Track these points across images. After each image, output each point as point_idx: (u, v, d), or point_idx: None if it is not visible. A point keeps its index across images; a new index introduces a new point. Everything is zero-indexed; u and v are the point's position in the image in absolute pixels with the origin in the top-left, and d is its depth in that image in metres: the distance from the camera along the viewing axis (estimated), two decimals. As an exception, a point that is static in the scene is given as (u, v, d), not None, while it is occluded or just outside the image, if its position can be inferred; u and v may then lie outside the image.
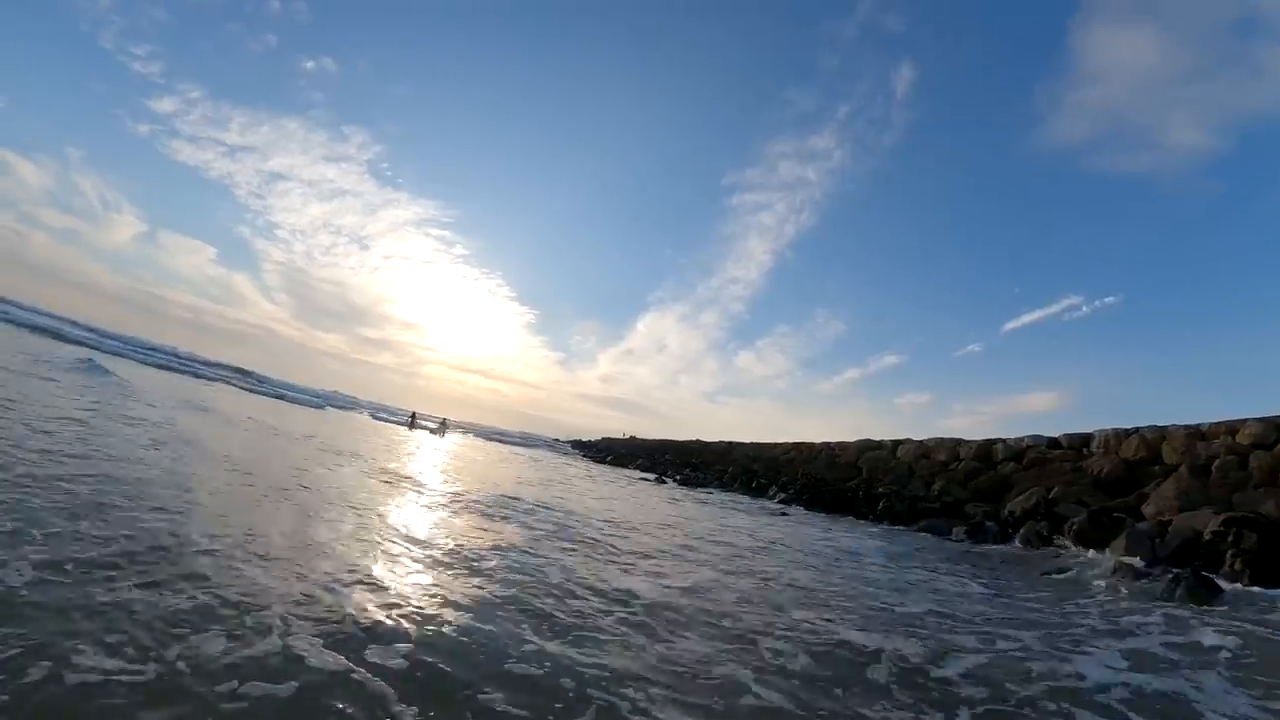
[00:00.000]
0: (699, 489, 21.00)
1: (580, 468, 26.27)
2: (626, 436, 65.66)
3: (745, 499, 18.73)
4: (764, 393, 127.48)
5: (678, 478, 25.67)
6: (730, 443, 39.53)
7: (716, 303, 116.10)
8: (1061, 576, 7.72)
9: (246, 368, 51.07)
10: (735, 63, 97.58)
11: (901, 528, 12.64)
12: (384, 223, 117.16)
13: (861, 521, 13.51)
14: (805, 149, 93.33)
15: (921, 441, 22.56)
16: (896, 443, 23.93)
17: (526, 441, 53.17)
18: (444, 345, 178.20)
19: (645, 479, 23.61)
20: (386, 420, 40.56)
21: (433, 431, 35.83)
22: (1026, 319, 71.92)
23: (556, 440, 71.93)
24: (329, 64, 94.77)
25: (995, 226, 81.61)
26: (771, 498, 18.68)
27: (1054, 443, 17.59)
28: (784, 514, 13.73)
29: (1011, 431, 20.69)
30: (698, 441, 45.04)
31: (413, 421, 39.28)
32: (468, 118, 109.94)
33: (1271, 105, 50.48)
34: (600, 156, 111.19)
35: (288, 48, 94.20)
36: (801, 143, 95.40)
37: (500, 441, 40.53)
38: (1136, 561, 7.96)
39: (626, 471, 27.61)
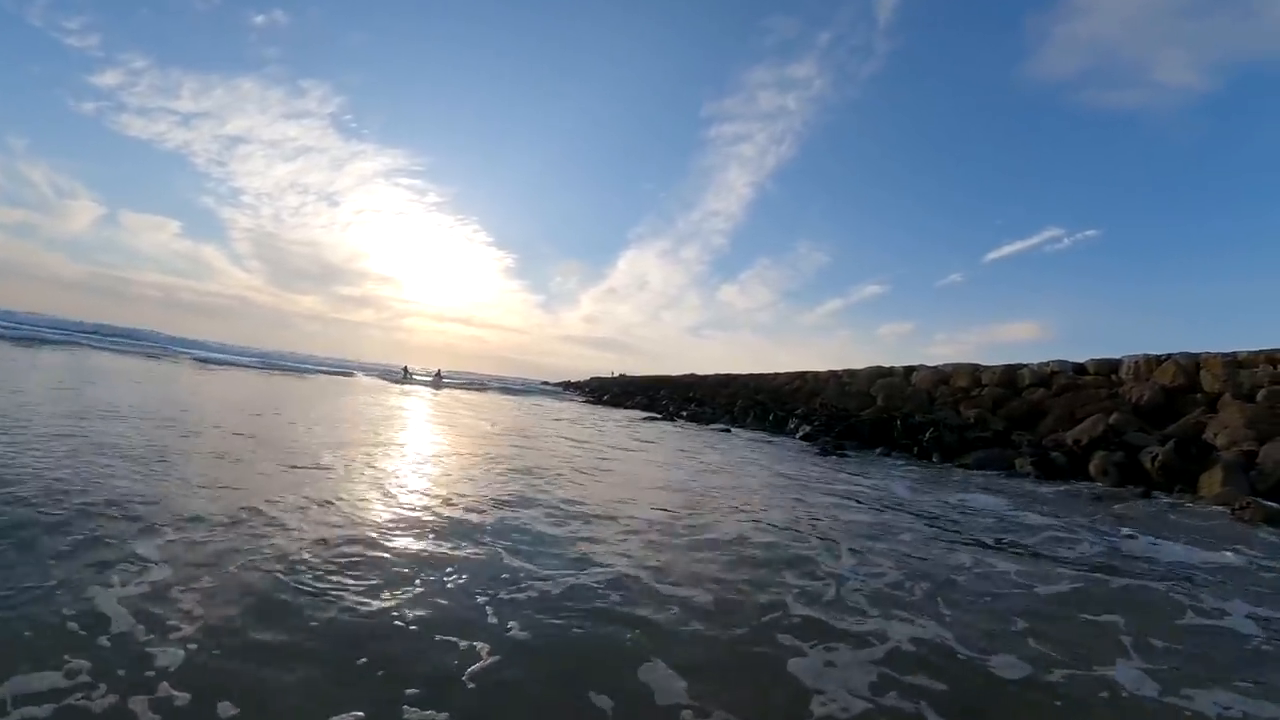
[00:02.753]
0: (712, 426, 20.30)
1: (582, 410, 25.47)
2: (616, 375, 64.79)
3: (766, 435, 18.08)
4: (746, 325, 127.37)
5: (684, 414, 25.03)
6: (728, 375, 39.01)
7: (697, 236, 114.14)
8: (1207, 524, 6.91)
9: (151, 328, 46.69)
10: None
11: (950, 464, 12.03)
12: (352, 177, 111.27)
13: (900, 458, 12.93)
14: (785, 78, 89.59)
15: (936, 368, 22.15)
16: (909, 369, 23.51)
17: (520, 387, 51.90)
18: (423, 297, 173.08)
19: (652, 418, 22.87)
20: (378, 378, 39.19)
21: (429, 384, 34.85)
22: (1008, 250, 72.41)
23: (546, 383, 71.20)
24: (279, 16, 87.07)
25: (978, 158, 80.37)
26: (793, 433, 18.01)
27: (1080, 368, 17.21)
28: (825, 454, 12.89)
29: (993, 360, 20.76)
30: (692, 375, 44.44)
31: (405, 375, 38.69)
32: (431, 59, 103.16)
33: (1265, 46, 49.22)
34: (574, 91, 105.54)
35: (234, 3, 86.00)
36: (781, 71, 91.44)
37: (498, 390, 38.99)
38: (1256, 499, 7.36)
39: (627, 412, 26.95)
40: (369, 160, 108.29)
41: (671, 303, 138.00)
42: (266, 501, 4.27)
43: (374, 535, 3.88)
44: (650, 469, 8.35)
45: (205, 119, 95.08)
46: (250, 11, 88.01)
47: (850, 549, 4.68)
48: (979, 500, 7.87)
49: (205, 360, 29.67)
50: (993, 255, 74.66)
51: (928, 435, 13.02)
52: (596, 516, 5.11)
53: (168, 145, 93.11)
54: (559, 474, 7.02)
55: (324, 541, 3.62)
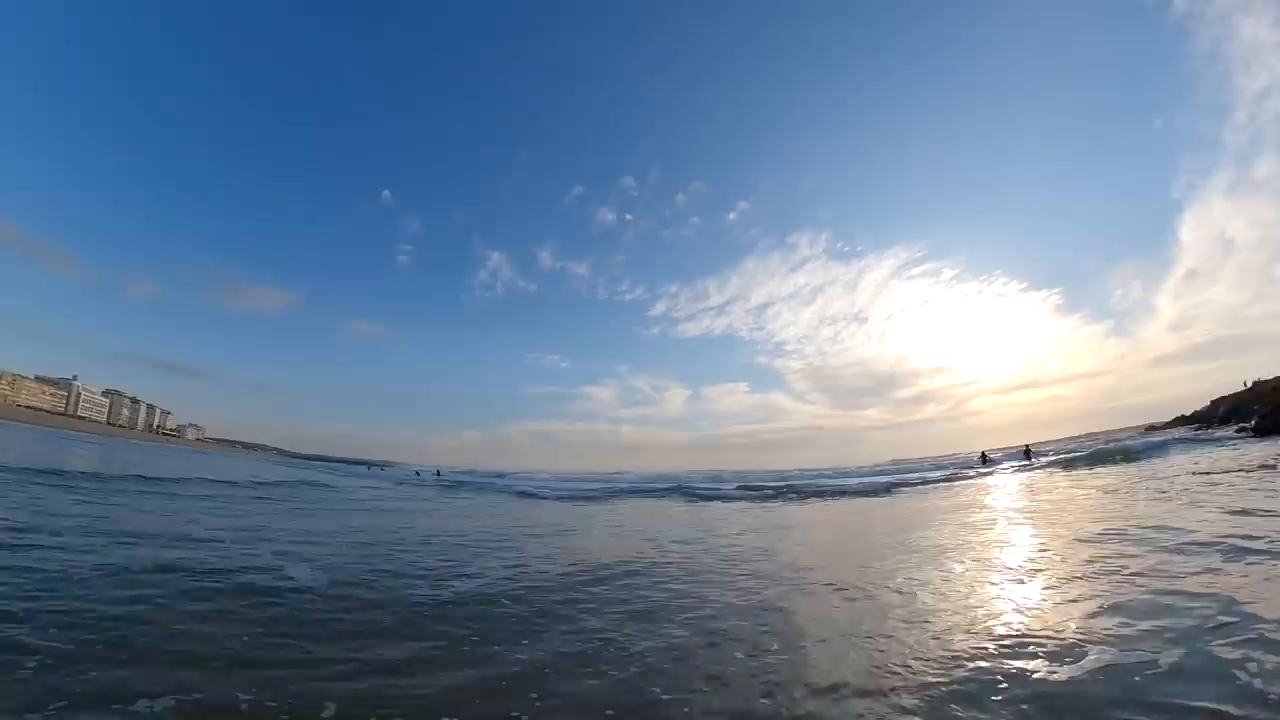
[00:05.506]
0: None
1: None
2: (1249, 385, 43.52)
3: None
4: None
5: None
6: None
7: (1261, 141, 78.79)
8: None
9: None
10: None
11: None
12: (867, 291, 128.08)
13: None
14: None
15: None
16: None
17: (1144, 444, 37.60)
18: (980, 374, 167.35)
19: None
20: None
21: (1022, 467, 31.58)
22: None
23: (1153, 426, 54.97)
24: (743, 204, 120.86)
25: None
26: None
27: None
28: None
29: None
30: None
31: (984, 459, 37.71)
32: (879, 161, 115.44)
33: None
34: (1019, 89, 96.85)
35: (711, 212, 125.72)
36: None
37: (1115, 459, 29.19)
38: None
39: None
40: (874, 270, 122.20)
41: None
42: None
43: None
44: None
45: (734, 302, 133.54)
46: (723, 212, 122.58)
47: None
48: None
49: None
50: None
51: None
52: None
53: (716, 332, 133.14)
54: None
55: None
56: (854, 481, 34.19)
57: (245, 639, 4.56)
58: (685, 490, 32.07)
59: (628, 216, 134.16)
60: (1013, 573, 6.94)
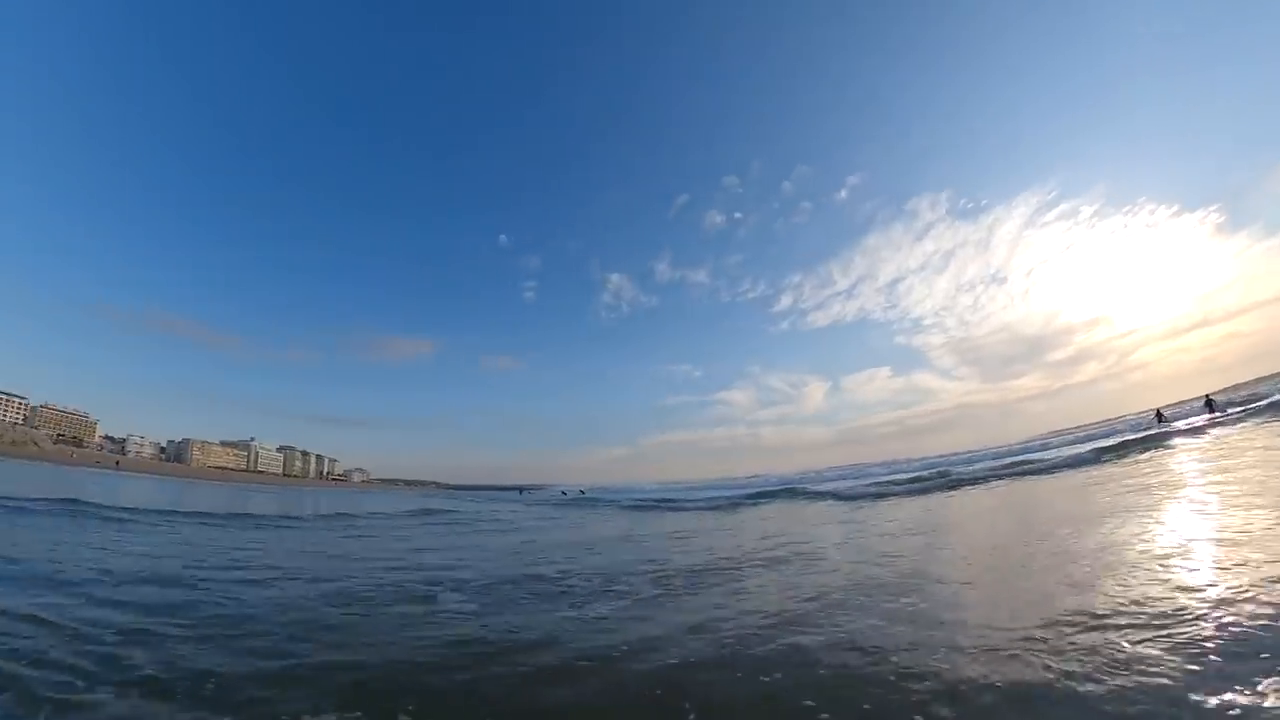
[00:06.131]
0: None
1: None
2: None
3: None
4: None
5: None
6: None
7: None
8: None
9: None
10: None
11: None
12: (1001, 248, 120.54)
13: None
14: None
15: None
16: None
17: None
18: (1141, 320, 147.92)
19: None
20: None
21: (1210, 423, 27.98)
22: None
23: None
24: (854, 180, 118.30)
25: None
26: None
27: None
28: None
29: None
30: None
31: (1159, 418, 35.16)
32: (989, 90, 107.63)
33: None
34: None
35: (819, 191, 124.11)
36: None
37: None
38: None
39: None
40: (1004, 222, 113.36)
41: None
42: None
43: None
44: None
45: (861, 283, 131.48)
46: (833, 191, 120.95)
47: None
48: None
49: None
50: None
51: None
52: None
53: (847, 318, 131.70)
54: None
55: None
56: (1014, 460, 31.48)
57: (394, 630, 5.79)
58: (826, 491, 31.27)
59: (736, 215, 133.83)
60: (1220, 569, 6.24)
